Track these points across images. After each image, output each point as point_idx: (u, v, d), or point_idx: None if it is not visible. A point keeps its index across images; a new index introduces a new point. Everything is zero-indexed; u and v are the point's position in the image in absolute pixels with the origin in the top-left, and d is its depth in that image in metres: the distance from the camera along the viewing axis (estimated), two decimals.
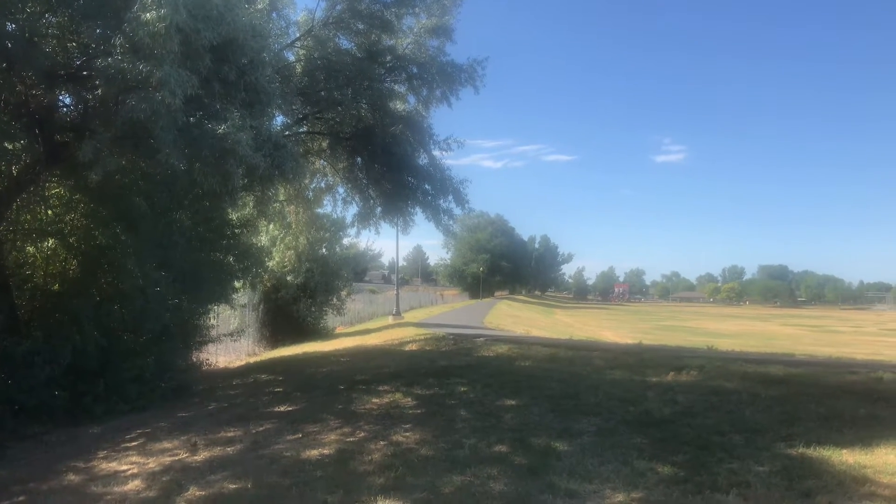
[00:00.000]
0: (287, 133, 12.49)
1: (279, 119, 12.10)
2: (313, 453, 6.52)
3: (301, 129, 14.28)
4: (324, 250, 26.28)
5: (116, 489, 5.83)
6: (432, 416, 7.91)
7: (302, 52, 12.94)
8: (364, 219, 15.23)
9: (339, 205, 16.67)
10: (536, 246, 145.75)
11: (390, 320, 32.24)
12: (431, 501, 4.87)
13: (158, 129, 6.61)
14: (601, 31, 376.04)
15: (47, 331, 9.77)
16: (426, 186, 14.02)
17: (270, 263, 23.62)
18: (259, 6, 10.02)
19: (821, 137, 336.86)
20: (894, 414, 7.15)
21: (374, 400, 9.27)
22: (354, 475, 5.68)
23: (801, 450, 5.97)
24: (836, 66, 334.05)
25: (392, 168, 13.52)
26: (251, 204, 13.54)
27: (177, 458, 6.77)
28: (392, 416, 8.08)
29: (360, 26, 12.81)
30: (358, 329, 30.01)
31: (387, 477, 5.53)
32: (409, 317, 35.87)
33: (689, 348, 16.36)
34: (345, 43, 13.25)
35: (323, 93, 13.01)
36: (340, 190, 16.25)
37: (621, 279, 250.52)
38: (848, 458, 5.69)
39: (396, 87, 14.21)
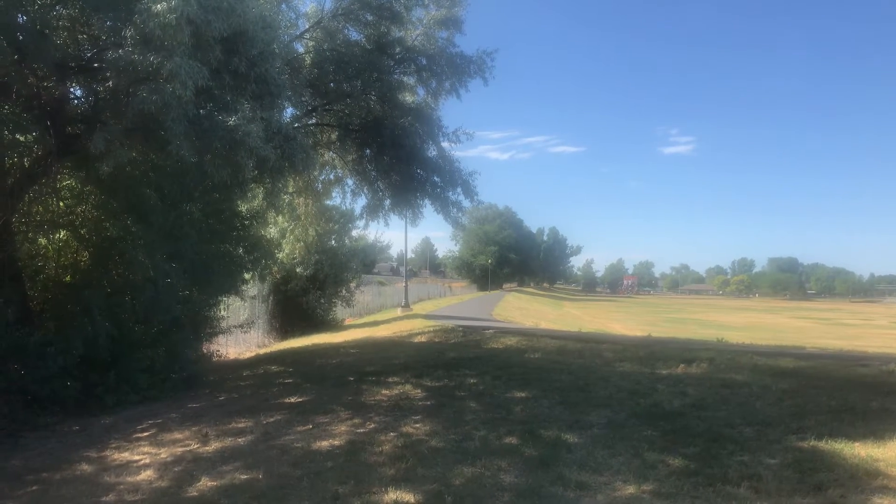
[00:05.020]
0: (296, 125, 12.46)
1: (289, 111, 12.06)
2: (324, 444, 6.55)
3: (310, 121, 14.25)
4: (333, 242, 26.33)
5: (129, 479, 5.88)
6: (442, 408, 7.93)
7: (311, 43, 12.90)
8: (373, 211, 15.20)
9: (348, 197, 16.65)
10: (545, 238, 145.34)
11: (399, 312, 32.31)
12: (442, 493, 4.88)
13: (169, 121, 6.62)
14: (608, 22, 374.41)
15: (59, 322, 9.84)
16: (435, 178, 13.98)
17: (280, 255, 23.72)
18: None
19: (832, 129, 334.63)
20: None
21: (384, 391, 9.30)
22: (365, 466, 5.71)
23: (812, 443, 5.95)
24: (845, 58, 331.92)
25: (401, 160, 13.48)
26: (261, 196, 13.57)
27: (188, 448, 6.82)
28: (402, 408, 8.11)
29: (370, 17, 12.75)
30: (367, 321, 30.10)
31: (397, 468, 5.55)
32: (417, 308, 35.94)
33: (698, 341, 16.33)
34: (354, 34, 13.19)
35: (332, 84, 13.00)
36: (349, 182, 16.23)
37: (630, 271, 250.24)
38: (860, 451, 5.67)
39: (405, 78, 14.14)
